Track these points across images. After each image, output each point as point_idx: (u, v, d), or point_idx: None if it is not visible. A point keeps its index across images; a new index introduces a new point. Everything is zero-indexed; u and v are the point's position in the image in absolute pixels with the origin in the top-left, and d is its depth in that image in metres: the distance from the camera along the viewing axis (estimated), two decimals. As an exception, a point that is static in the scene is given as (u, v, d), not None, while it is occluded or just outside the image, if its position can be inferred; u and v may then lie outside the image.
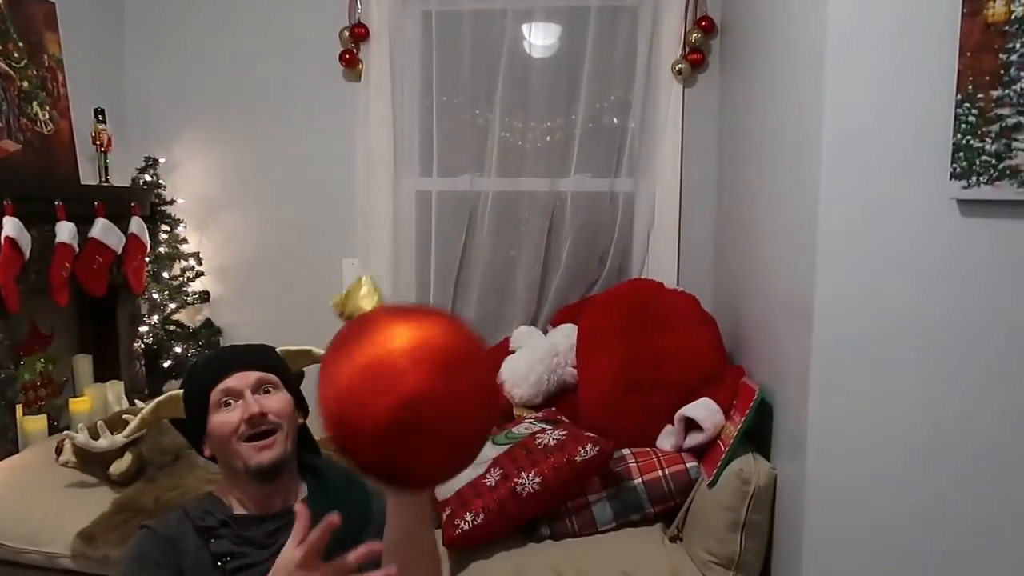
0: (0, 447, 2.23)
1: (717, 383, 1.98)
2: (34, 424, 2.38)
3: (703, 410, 1.89)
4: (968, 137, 1.37)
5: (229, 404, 1.32)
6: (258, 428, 1.30)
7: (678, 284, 2.65)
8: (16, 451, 2.28)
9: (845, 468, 1.49)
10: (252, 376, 1.34)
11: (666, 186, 2.75)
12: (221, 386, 1.32)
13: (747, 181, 2.19)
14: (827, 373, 1.49)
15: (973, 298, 1.42)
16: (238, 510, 1.39)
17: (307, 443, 1.50)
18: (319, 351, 1.44)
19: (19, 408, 2.37)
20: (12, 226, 2.17)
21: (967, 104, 1.36)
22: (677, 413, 1.94)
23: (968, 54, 1.36)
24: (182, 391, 1.39)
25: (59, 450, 2.14)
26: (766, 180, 1.95)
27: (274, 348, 1.45)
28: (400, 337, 0.94)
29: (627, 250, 2.81)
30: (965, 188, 1.38)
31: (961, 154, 1.38)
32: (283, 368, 1.42)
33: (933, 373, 1.44)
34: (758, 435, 1.85)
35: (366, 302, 1.13)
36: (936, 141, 1.40)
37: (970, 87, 1.36)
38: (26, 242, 2.22)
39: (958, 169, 1.38)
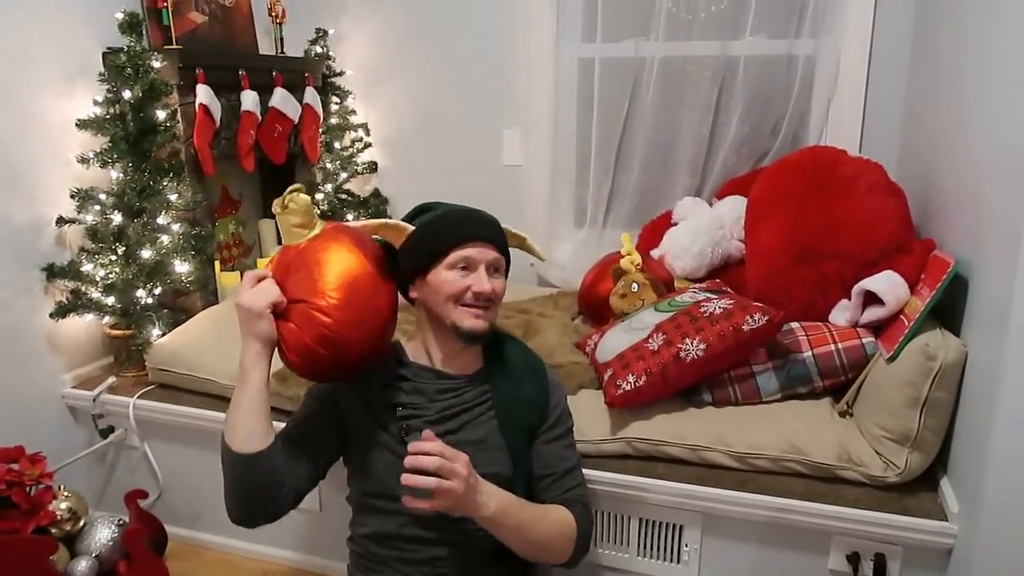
0: (203, 298, 2.47)
1: (901, 255, 1.83)
2: (230, 279, 2.61)
3: (886, 283, 1.76)
4: None
5: (464, 269, 1.40)
6: (480, 302, 1.40)
7: (860, 153, 2.44)
8: (216, 302, 2.52)
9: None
10: (491, 254, 1.42)
11: (853, 46, 2.50)
12: (463, 252, 1.40)
13: (955, 34, 1.94)
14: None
15: None
16: (417, 358, 1.50)
17: None
18: (532, 243, 1.58)
19: (216, 264, 2.60)
20: (205, 93, 2.31)
21: None
22: (856, 286, 1.83)
23: None
24: (413, 229, 1.43)
25: (253, 301, 2.35)
26: (981, 30, 1.71)
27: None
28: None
29: (804, 118, 2.61)
30: None
31: None
32: (507, 250, 1.50)
33: None
34: (946, 311, 1.71)
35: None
36: None
37: None
38: (217, 109, 2.37)
39: None
